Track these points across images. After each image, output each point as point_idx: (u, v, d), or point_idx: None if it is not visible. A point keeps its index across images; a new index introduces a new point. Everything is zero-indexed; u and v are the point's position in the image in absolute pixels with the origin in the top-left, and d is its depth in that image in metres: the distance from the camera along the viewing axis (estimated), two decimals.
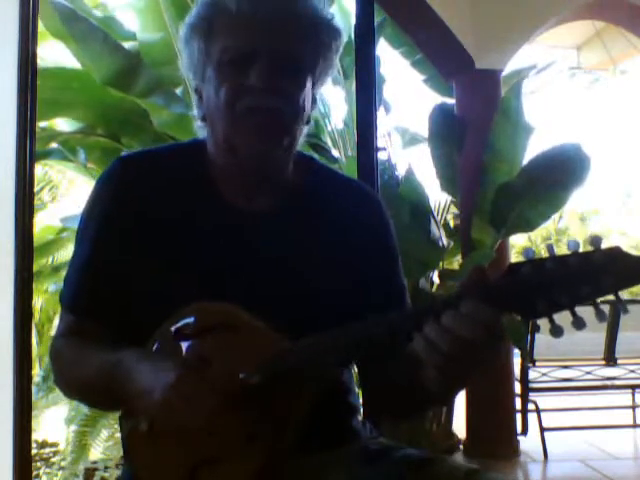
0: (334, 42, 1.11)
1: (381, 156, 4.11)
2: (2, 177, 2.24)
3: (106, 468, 3.64)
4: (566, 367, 4.16)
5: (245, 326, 0.98)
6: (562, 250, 0.79)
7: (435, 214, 4.44)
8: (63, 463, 3.82)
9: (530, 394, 4.16)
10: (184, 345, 0.99)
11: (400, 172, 4.30)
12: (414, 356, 0.87)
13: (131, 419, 1.00)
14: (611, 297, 0.79)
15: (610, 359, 4.22)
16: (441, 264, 4.22)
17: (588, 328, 0.80)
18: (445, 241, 4.31)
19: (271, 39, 1.05)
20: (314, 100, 1.14)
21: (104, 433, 3.81)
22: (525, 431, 4.16)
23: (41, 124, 4.50)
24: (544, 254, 0.80)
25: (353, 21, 2.53)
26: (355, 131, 3.17)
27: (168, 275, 1.06)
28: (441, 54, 4.28)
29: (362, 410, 1.24)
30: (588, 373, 4.17)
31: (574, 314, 0.78)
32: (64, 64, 4.85)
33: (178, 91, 4.57)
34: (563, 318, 0.80)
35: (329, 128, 4.81)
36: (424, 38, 4.25)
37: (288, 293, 1.06)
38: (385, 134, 4.73)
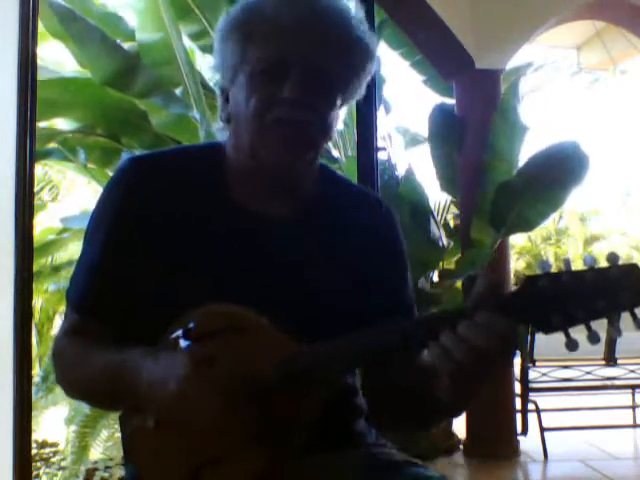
0: (368, 64, 1.10)
1: (381, 156, 4.11)
2: (2, 177, 2.24)
3: (106, 468, 3.65)
4: (566, 367, 4.16)
5: (253, 328, 0.99)
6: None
7: (435, 214, 4.45)
8: (63, 463, 3.82)
9: (530, 394, 4.16)
10: (192, 348, 0.99)
11: (400, 172, 4.31)
12: (427, 364, 0.87)
13: (135, 418, 1.00)
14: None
15: (610, 359, 4.23)
16: (441, 264, 4.22)
17: None
18: (445, 241, 4.32)
19: (307, 53, 1.04)
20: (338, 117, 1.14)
21: (104, 433, 3.82)
22: (525, 431, 4.16)
23: (40, 124, 4.50)
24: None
25: None
26: (355, 131, 3.18)
27: (179, 278, 1.06)
28: (441, 54, 4.28)
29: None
30: (588, 373, 4.17)
31: (589, 328, 0.80)
32: (64, 64, 4.86)
33: (177, 92, 4.57)
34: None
35: None
36: (424, 38, 4.25)
37: (299, 298, 1.06)
38: (385, 134, 4.74)
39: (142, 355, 0.99)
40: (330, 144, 4.71)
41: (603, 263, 0.80)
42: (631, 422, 4.73)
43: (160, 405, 0.94)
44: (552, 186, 3.91)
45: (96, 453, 3.81)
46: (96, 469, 3.66)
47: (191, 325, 0.99)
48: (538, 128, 4.19)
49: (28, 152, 2.26)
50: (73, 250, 5.33)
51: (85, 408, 3.70)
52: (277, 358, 0.94)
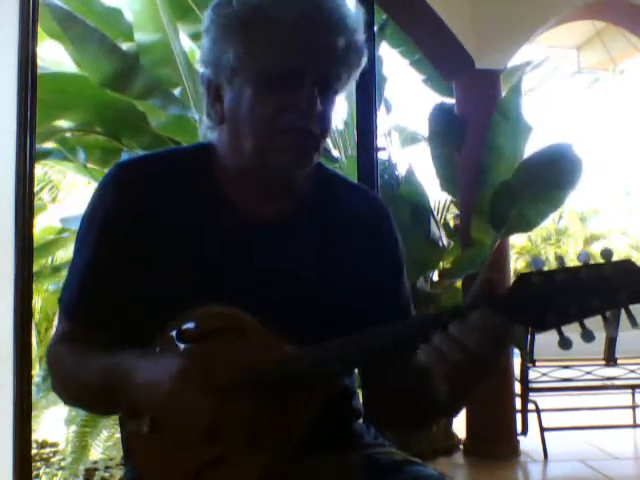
0: (362, 61, 1.10)
1: (381, 156, 4.12)
2: (2, 177, 2.24)
3: (106, 468, 3.65)
4: (566, 367, 4.16)
5: (249, 329, 0.98)
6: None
7: (435, 214, 4.45)
8: (63, 463, 3.83)
9: (530, 394, 4.16)
10: (187, 347, 0.98)
11: (400, 172, 4.31)
12: (423, 364, 0.87)
13: (132, 421, 1.00)
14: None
15: (610, 359, 4.22)
16: (441, 264, 4.22)
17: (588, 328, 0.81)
18: (445, 241, 4.32)
19: (317, 60, 1.02)
20: None
21: (104, 433, 3.82)
22: (525, 431, 4.16)
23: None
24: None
25: None
26: (355, 131, 3.18)
27: (173, 279, 1.05)
28: (441, 54, 4.28)
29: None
30: (588, 373, 4.16)
31: (583, 326, 0.79)
32: (63, 64, 4.85)
33: (176, 92, 4.56)
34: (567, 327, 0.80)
35: None
36: (424, 38, 4.25)
37: (294, 298, 1.06)
38: (385, 134, 4.73)
39: (137, 357, 0.99)
40: (330, 144, 4.71)
41: (599, 260, 0.79)
42: (631, 422, 4.73)
43: (156, 405, 0.94)
44: (551, 186, 3.91)
45: (96, 453, 3.81)
46: (96, 469, 3.66)
47: (186, 326, 0.99)
48: (537, 128, 4.18)
49: (28, 152, 2.26)
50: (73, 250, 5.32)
51: None
52: (273, 359, 0.94)
